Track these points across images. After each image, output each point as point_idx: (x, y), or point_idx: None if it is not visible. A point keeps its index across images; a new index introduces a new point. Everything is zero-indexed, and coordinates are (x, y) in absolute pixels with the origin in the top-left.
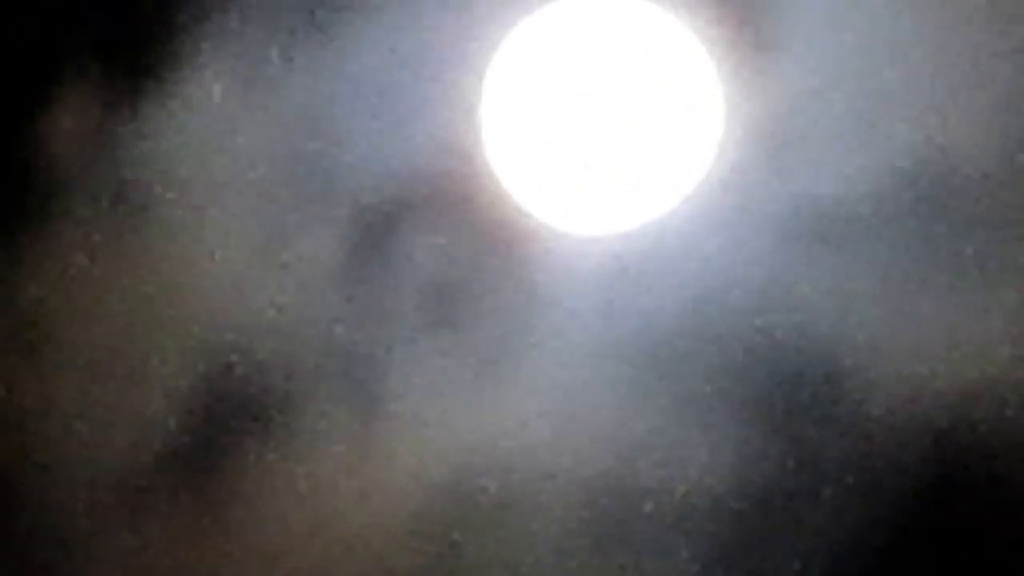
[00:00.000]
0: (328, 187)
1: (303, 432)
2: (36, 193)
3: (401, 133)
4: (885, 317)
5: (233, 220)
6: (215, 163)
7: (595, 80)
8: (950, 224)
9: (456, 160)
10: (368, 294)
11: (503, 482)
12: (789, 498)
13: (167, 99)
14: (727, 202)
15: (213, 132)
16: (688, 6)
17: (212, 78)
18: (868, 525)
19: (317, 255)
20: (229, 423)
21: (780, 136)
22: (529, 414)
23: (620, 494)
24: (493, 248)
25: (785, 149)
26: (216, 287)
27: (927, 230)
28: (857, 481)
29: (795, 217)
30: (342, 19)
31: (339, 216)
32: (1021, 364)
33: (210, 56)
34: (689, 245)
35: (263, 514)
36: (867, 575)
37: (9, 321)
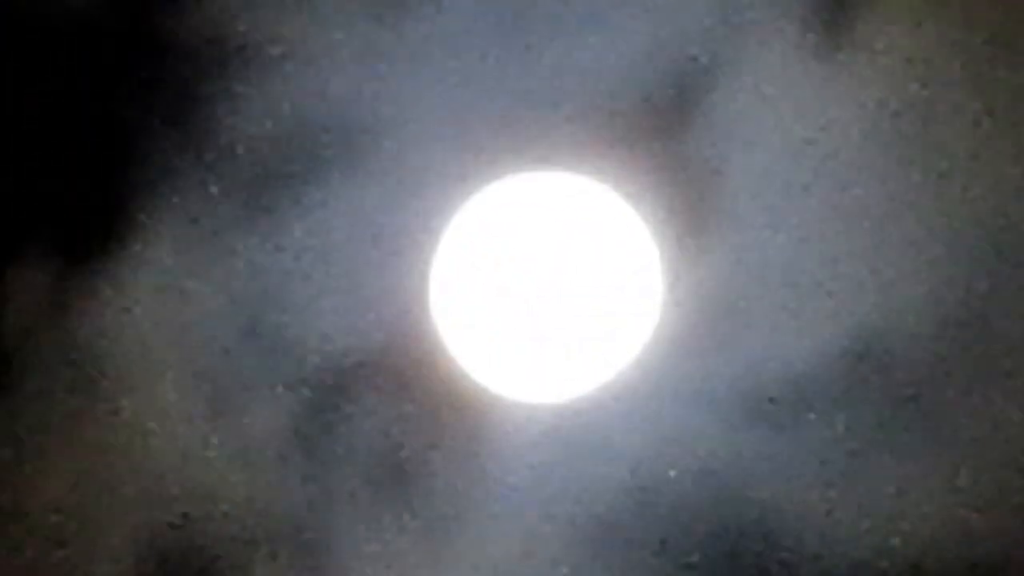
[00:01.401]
0: (277, 358)
1: None
2: None
3: (351, 305)
4: (825, 489)
5: (183, 392)
6: (165, 334)
7: (540, 254)
8: (891, 397)
9: (406, 332)
10: (316, 465)
11: None
12: None
13: (118, 274)
14: (668, 372)
15: (163, 302)
16: (629, 184)
17: (162, 253)
18: None
19: (266, 426)
20: None
21: (720, 309)
22: None
23: None
24: (442, 417)
25: (724, 321)
26: (165, 459)
27: (868, 403)
28: None
29: (735, 389)
30: (293, 193)
31: (289, 386)
32: (967, 532)
33: (160, 232)
34: (633, 413)
35: None
36: None
37: None
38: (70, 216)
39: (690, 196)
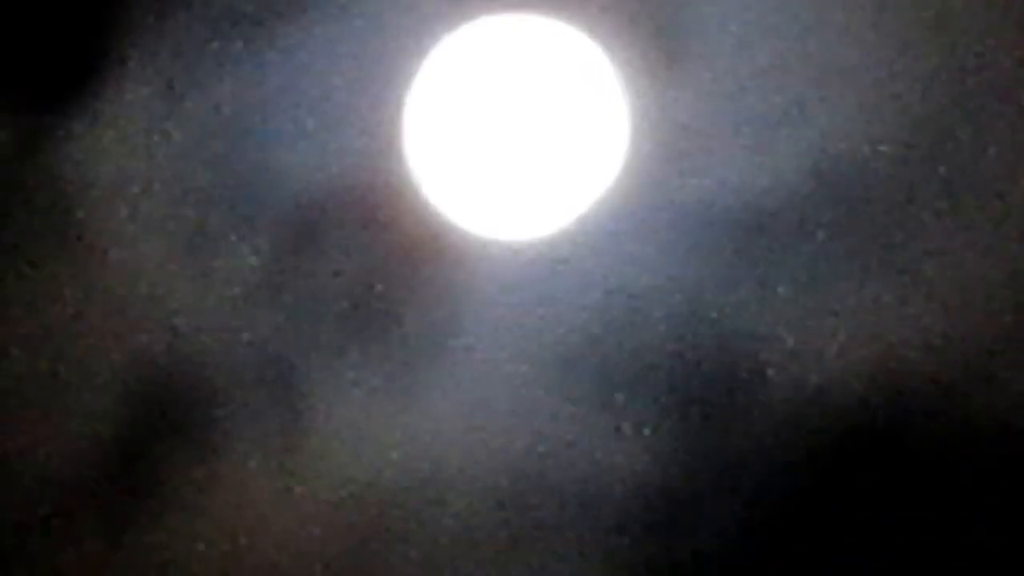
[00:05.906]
0: (251, 196)
1: (227, 442)
2: None
3: (324, 143)
4: (792, 313)
5: (156, 229)
6: (138, 171)
7: (510, 93)
8: (858, 223)
9: (379, 171)
10: (290, 302)
11: (422, 487)
12: (705, 497)
13: (92, 106)
14: (637, 206)
15: (136, 141)
16: (596, 21)
17: (137, 86)
18: (784, 523)
19: (239, 263)
20: (152, 435)
21: (687, 141)
22: (449, 419)
23: (536, 496)
24: (416, 256)
25: (692, 153)
26: (138, 297)
27: (836, 228)
28: (773, 479)
29: (703, 219)
30: (266, 30)
31: (262, 226)
32: (938, 356)
33: (135, 65)
34: (605, 246)
35: (189, 526)
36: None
37: None
38: (40, 57)
39: (656, 29)
